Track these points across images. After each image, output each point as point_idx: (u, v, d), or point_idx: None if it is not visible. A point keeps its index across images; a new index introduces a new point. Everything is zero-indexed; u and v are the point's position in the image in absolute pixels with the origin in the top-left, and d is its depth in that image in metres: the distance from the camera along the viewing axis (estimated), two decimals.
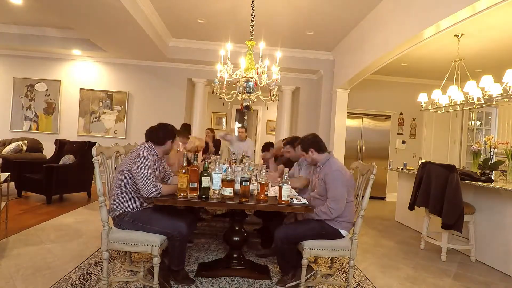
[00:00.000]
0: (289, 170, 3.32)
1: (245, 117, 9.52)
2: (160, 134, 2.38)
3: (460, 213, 3.19)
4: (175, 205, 2.33)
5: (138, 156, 2.21)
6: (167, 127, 2.42)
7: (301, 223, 2.41)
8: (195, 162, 2.26)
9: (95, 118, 6.87)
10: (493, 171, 3.69)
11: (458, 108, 4.86)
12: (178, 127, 5.90)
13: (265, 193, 2.23)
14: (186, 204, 2.20)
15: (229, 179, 2.20)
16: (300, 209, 2.20)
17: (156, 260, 2.12)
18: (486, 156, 4.27)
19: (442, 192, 3.33)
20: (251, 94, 3.40)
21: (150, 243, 2.12)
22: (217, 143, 6.02)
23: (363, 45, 4.87)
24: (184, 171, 2.16)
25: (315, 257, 3.04)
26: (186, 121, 6.89)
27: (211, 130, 6.08)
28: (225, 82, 3.48)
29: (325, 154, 2.49)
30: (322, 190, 2.41)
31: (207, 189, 2.18)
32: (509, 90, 3.55)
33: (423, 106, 5.09)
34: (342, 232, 2.33)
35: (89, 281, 2.36)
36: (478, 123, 7.43)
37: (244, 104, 3.51)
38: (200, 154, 5.06)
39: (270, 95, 3.54)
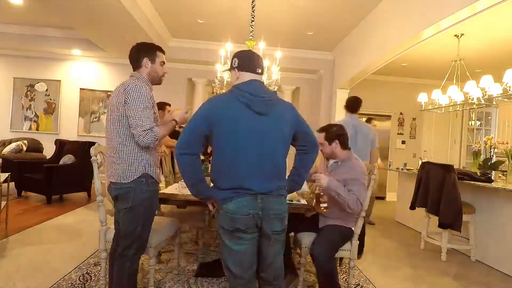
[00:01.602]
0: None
1: None
2: (134, 53, 1.88)
3: (458, 212, 3.19)
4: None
5: (131, 90, 1.72)
6: (141, 43, 1.91)
7: (327, 233, 2.21)
8: None
9: (95, 118, 6.87)
10: (493, 171, 3.69)
11: (458, 108, 4.86)
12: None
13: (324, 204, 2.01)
14: (186, 204, 2.20)
15: None
16: (301, 209, 2.20)
17: (152, 262, 2.07)
18: (486, 156, 4.27)
19: (439, 191, 3.33)
20: None
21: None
22: None
23: (363, 45, 4.87)
24: None
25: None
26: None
27: None
28: (225, 82, 3.48)
29: (347, 151, 2.30)
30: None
31: None
32: (509, 90, 3.55)
33: (423, 106, 5.09)
34: (354, 229, 2.28)
35: (89, 281, 2.36)
36: (478, 123, 7.43)
37: None
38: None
39: None
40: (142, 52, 1.87)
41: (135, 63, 1.87)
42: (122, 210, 1.79)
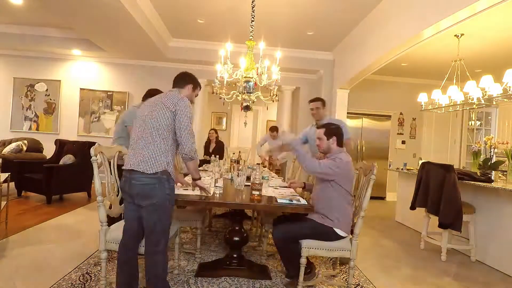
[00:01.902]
0: None
1: (245, 117, 9.53)
2: (182, 77, 2.16)
3: (458, 212, 3.19)
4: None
5: (181, 102, 1.94)
6: (191, 74, 2.21)
7: (296, 222, 2.40)
8: None
9: (95, 118, 6.87)
10: (493, 171, 3.69)
11: (458, 108, 4.86)
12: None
13: (257, 192, 2.21)
14: (186, 204, 2.20)
15: None
16: (300, 209, 2.20)
17: None
18: (486, 156, 4.27)
19: (439, 191, 3.33)
20: (251, 94, 3.40)
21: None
22: (219, 144, 6.03)
23: (363, 45, 4.87)
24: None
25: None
26: None
27: (215, 131, 6.14)
28: (225, 82, 3.48)
29: (339, 148, 2.46)
30: (325, 185, 2.38)
31: None
32: (509, 90, 3.55)
33: (423, 106, 5.09)
34: (338, 231, 2.29)
35: (89, 281, 2.36)
36: (478, 123, 7.42)
37: (244, 104, 3.51)
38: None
39: (270, 95, 3.54)
40: (191, 80, 2.17)
41: (180, 84, 2.13)
42: (148, 206, 1.85)
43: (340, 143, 2.45)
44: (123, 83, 6.87)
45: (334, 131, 2.44)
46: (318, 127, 2.55)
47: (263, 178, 2.88)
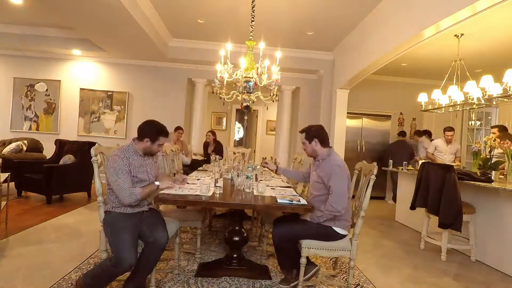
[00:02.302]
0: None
1: (245, 117, 9.53)
2: (140, 130, 2.16)
3: (458, 212, 3.19)
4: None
5: (108, 160, 2.03)
6: (151, 124, 2.17)
7: (298, 222, 2.41)
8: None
9: (95, 118, 6.87)
10: (493, 171, 3.69)
11: (458, 108, 4.86)
12: (175, 126, 5.99)
13: None
14: (186, 203, 2.20)
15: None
16: (300, 209, 2.20)
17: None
18: (486, 155, 4.26)
19: (439, 191, 3.33)
20: (251, 94, 3.40)
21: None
22: (219, 146, 5.98)
23: (363, 45, 4.87)
24: None
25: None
26: (186, 121, 6.89)
27: (212, 132, 6.05)
28: (225, 82, 3.48)
29: (327, 149, 2.47)
30: (320, 187, 2.40)
31: None
32: (509, 90, 3.55)
33: (423, 106, 5.09)
34: (337, 230, 2.30)
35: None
36: (478, 123, 7.42)
37: (244, 104, 3.51)
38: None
39: (270, 95, 3.54)
40: (148, 134, 2.15)
41: (139, 136, 2.16)
42: None
43: (325, 144, 2.46)
44: (123, 83, 6.87)
45: (313, 133, 2.46)
46: (299, 132, 2.58)
47: (247, 177, 2.79)
